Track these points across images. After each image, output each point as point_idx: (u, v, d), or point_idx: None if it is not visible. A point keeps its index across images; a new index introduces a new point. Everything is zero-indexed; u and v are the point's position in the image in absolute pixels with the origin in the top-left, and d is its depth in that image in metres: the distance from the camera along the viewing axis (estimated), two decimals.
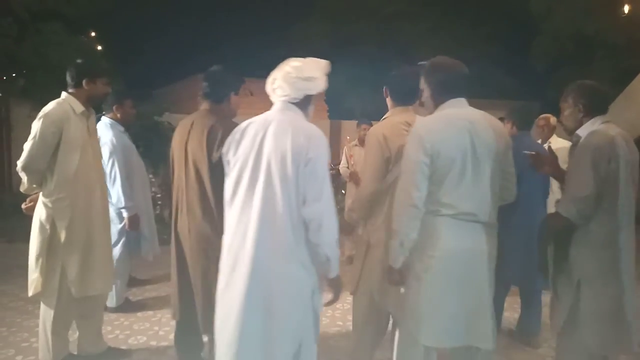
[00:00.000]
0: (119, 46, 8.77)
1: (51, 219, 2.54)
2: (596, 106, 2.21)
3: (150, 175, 5.50)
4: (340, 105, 14.53)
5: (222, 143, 2.09)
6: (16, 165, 2.59)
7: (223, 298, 1.85)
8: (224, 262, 1.87)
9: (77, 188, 2.56)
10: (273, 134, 1.79)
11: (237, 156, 1.85)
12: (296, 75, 1.83)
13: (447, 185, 1.93)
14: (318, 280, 1.86)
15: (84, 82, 2.59)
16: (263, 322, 1.76)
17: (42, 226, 2.57)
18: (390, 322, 2.58)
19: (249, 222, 1.77)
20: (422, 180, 1.93)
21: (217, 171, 2.13)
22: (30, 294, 2.64)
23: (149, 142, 5.88)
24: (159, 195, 5.94)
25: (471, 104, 2.08)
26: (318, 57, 1.91)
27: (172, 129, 3.52)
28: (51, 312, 2.61)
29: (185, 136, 2.27)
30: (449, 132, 1.94)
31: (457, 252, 1.95)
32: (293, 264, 1.77)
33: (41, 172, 2.52)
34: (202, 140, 2.19)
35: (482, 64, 12.24)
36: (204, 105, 2.33)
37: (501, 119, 3.16)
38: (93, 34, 10.40)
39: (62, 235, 2.54)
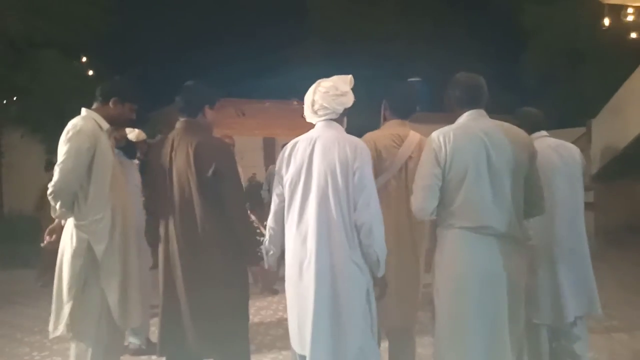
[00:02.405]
0: (114, 69, 8.82)
1: (86, 244, 2.30)
2: (534, 126, 2.56)
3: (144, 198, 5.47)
4: None
5: (211, 161, 2.06)
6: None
7: (293, 305, 2.00)
8: (289, 272, 2.00)
9: (113, 208, 2.38)
10: (321, 149, 1.95)
11: (289, 172, 2.00)
12: (333, 93, 2.00)
13: (461, 196, 1.93)
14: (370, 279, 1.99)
15: (111, 100, 2.45)
16: (333, 321, 1.88)
17: (75, 253, 2.30)
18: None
19: (307, 231, 1.92)
20: (434, 192, 1.97)
21: (208, 191, 2.09)
22: (60, 332, 2.32)
23: (143, 165, 5.88)
24: None
25: None
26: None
27: None
28: (89, 350, 2.30)
29: (168, 156, 2.16)
30: (463, 143, 1.94)
31: (474, 266, 1.91)
32: (350, 266, 1.91)
33: (74, 194, 2.29)
34: (189, 160, 2.10)
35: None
36: (180, 123, 2.23)
37: None
38: (88, 58, 10.48)
39: (102, 260, 2.31)
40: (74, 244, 2.32)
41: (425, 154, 2.03)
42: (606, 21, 6.36)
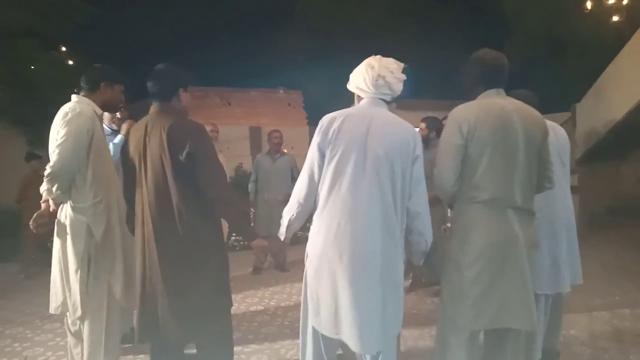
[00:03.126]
0: (95, 60, 8.61)
1: (85, 226, 2.33)
2: None
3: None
4: (320, 113, 14.58)
5: (185, 143, 2.02)
6: None
7: (327, 287, 1.87)
8: (325, 253, 1.87)
9: (110, 190, 2.41)
10: (379, 130, 1.88)
11: (337, 148, 1.89)
12: (395, 76, 1.96)
13: (481, 170, 2.00)
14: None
15: (101, 85, 2.46)
16: (380, 303, 1.83)
17: (75, 236, 2.33)
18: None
19: (358, 210, 1.83)
20: (457, 163, 2.04)
21: (183, 174, 2.05)
22: (78, 314, 2.35)
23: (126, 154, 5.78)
24: None
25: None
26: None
27: None
28: (102, 329, 2.37)
29: (141, 142, 2.11)
30: (484, 118, 2.01)
31: (494, 238, 1.99)
32: (398, 249, 1.89)
33: (72, 176, 2.30)
34: (162, 143, 2.04)
35: (459, 68, 12.44)
36: (154, 107, 2.17)
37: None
38: (68, 48, 10.23)
39: (104, 243, 2.36)
40: (75, 227, 2.33)
41: (449, 126, 2.07)
42: (588, 4, 6.39)
